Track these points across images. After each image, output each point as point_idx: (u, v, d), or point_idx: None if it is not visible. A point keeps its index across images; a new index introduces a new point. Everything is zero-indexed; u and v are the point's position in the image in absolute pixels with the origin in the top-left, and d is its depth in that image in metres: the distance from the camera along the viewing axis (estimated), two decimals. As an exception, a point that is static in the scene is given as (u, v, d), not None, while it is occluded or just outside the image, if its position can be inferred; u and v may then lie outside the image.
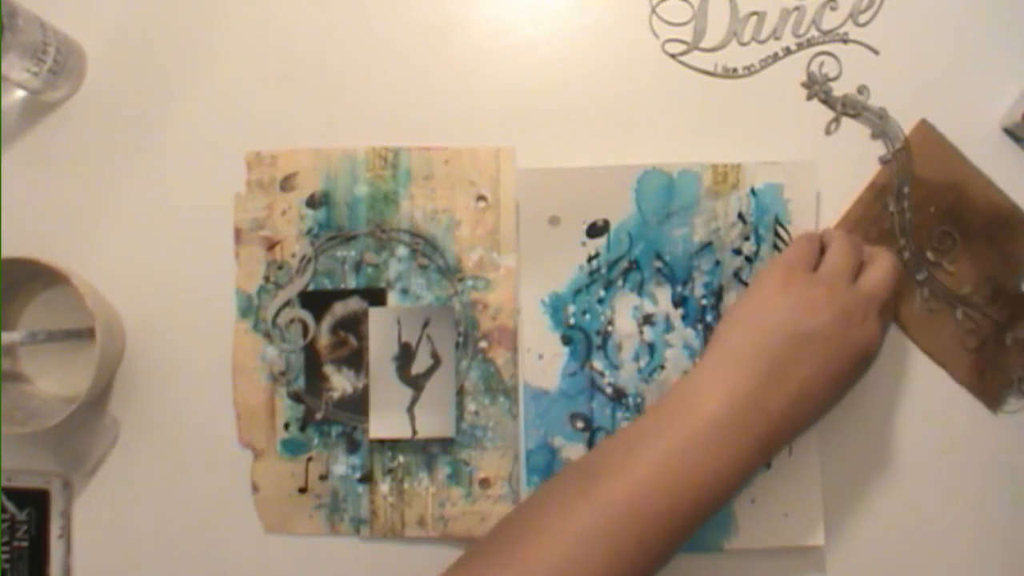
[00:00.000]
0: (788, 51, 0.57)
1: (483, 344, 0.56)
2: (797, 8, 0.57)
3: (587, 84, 0.57)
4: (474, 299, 0.56)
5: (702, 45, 0.57)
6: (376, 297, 0.56)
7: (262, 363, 0.56)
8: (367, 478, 0.56)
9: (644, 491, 0.46)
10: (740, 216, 0.55)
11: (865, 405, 0.56)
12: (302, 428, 0.56)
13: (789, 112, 0.57)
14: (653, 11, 0.57)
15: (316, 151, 0.57)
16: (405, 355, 0.56)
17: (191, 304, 0.57)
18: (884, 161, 0.57)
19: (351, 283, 0.56)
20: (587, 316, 0.56)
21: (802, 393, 0.48)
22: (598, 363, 0.56)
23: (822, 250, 0.53)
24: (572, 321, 0.56)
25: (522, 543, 0.46)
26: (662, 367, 0.55)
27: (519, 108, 0.57)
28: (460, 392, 0.56)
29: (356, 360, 0.56)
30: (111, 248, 0.58)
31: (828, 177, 0.56)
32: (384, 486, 0.56)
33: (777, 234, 0.55)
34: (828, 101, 0.57)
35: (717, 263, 0.55)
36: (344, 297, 0.56)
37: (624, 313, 0.56)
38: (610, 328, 0.56)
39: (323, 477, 0.56)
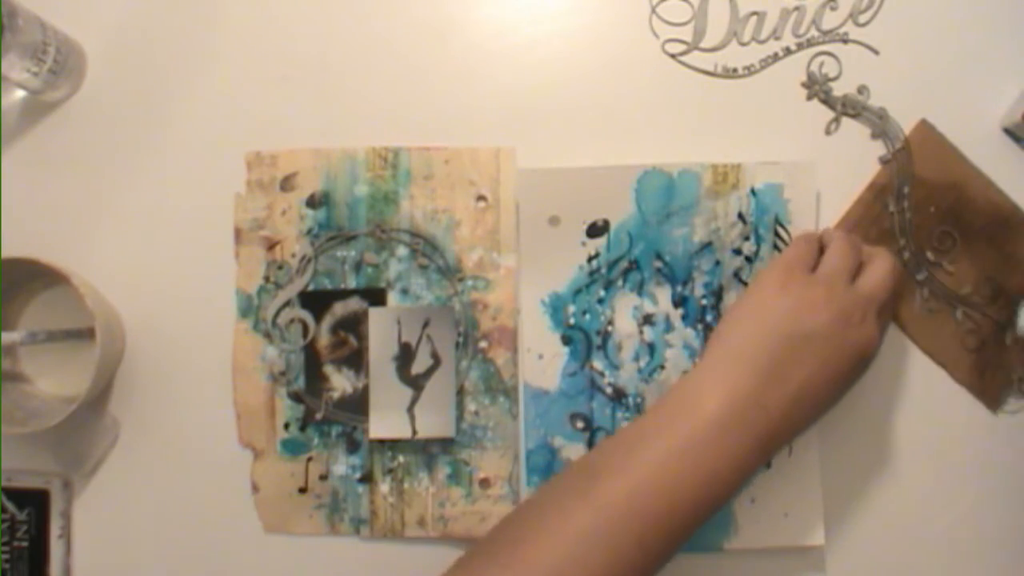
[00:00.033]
0: (788, 51, 0.57)
1: (483, 344, 0.56)
2: (797, 8, 0.57)
3: (587, 84, 0.57)
4: (474, 299, 0.56)
5: (702, 45, 0.57)
6: (376, 297, 0.56)
7: (262, 363, 0.56)
8: (367, 478, 0.56)
9: (644, 491, 0.46)
10: (740, 216, 0.55)
11: (865, 405, 0.56)
12: (302, 428, 0.56)
13: (789, 112, 0.57)
14: (653, 11, 0.57)
15: (316, 151, 0.57)
16: (405, 355, 0.56)
17: (191, 304, 0.57)
18: (884, 161, 0.57)
19: (351, 283, 0.56)
20: (587, 316, 0.56)
21: (801, 393, 0.48)
22: (598, 363, 0.56)
23: (822, 250, 0.53)
24: (572, 321, 0.56)
25: (522, 543, 0.46)
26: (662, 367, 0.55)
27: (519, 108, 0.57)
28: (460, 392, 0.56)
29: (356, 360, 0.56)
30: (111, 248, 0.58)
31: (828, 177, 0.56)
32: (384, 486, 0.56)
33: (777, 234, 0.55)
34: (828, 101, 0.57)
35: (717, 263, 0.55)
36: (344, 297, 0.56)
37: (624, 313, 0.56)
38: (610, 328, 0.56)
39: (323, 477, 0.56)
